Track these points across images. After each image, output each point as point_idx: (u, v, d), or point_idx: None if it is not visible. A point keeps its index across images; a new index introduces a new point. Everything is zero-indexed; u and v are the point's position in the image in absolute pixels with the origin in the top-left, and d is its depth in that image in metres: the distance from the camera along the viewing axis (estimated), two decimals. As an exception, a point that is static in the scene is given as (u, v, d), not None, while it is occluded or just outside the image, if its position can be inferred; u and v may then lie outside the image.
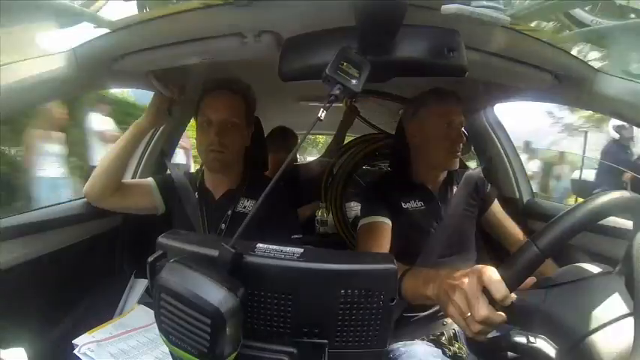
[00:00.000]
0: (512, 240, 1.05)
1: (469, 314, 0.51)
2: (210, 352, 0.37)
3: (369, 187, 1.08)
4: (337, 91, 0.50)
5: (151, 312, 0.91)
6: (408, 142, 1.06)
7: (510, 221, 1.09)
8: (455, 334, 0.96)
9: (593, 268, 0.55)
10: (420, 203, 1.01)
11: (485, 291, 0.50)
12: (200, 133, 0.96)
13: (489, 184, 1.12)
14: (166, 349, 0.45)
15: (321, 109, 0.49)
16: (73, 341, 0.77)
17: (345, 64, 0.50)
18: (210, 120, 0.94)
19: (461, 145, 0.98)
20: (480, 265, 0.52)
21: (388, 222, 0.96)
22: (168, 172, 1.14)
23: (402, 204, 1.00)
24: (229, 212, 0.98)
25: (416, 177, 1.05)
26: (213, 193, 1.02)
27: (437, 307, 0.96)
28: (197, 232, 0.96)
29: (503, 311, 0.50)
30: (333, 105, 0.51)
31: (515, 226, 1.07)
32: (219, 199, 1.01)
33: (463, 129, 1.01)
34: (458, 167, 1.03)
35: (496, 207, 1.10)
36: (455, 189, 1.06)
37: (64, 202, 1.08)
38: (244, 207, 0.99)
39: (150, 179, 1.04)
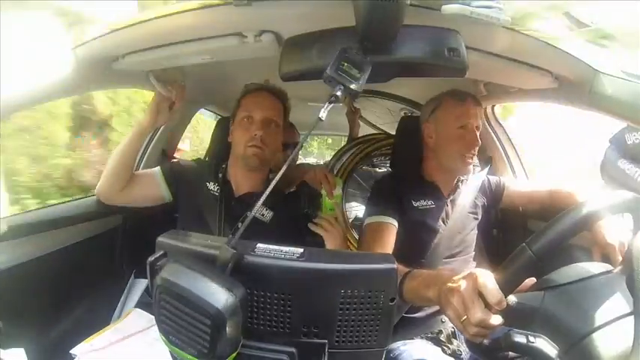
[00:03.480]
0: (540, 206, 1.07)
1: (465, 317, 0.51)
2: (210, 353, 0.37)
3: (378, 185, 1.08)
4: (338, 92, 0.50)
5: (148, 315, 0.91)
6: (424, 142, 1.05)
7: (533, 188, 1.11)
8: (454, 332, 0.96)
9: (594, 267, 0.55)
10: (430, 202, 1.01)
11: (482, 294, 0.50)
12: (239, 129, 0.97)
13: (494, 177, 1.14)
14: (164, 351, 0.45)
15: (322, 109, 0.49)
16: (70, 351, 0.76)
17: (345, 64, 0.50)
18: (252, 116, 0.96)
19: (476, 149, 0.97)
20: (477, 269, 0.53)
21: (394, 223, 0.96)
22: (175, 160, 1.13)
23: (413, 202, 1.00)
24: (248, 213, 0.96)
25: (428, 176, 1.06)
26: (234, 189, 1.00)
27: (436, 307, 0.96)
28: (209, 223, 0.95)
29: (500, 313, 0.50)
30: (334, 105, 0.51)
31: (538, 189, 1.08)
32: (240, 197, 0.99)
33: None
34: (470, 172, 1.03)
35: (510, 187, 1.12)
36: (463, 191, 1.06)
37: (64, 202, 1.08)
38: (262, 214, 0.98)
39: (156, 168, 1.03)
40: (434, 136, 1.02)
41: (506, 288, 0.50)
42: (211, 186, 0.99)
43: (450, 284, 0.56)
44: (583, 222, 0.51)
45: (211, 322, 0.36)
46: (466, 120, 0.97)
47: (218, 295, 0.37)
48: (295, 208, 1.00)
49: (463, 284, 0.53)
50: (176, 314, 0.38)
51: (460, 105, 0.99)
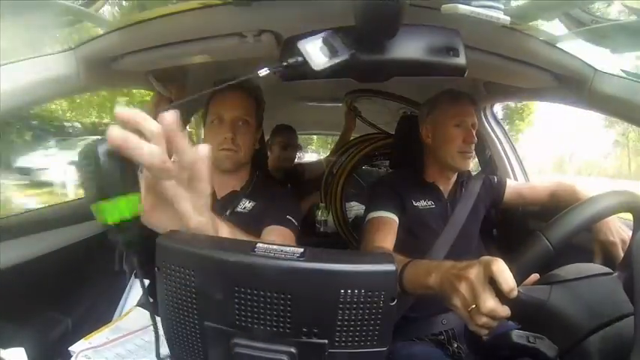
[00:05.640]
0: (541, 205, 1.08)
1: (474, 306, 0.50)
2: None
3: (378, 184, 1.08)
4: (293, 61, 0.48)
5: (148, 314, 0.91)
6: (423, 143, 1.06)
7: (534, 187, 1.11)
8: (454, 333, 0.96)
9: (596, 268, 0.55)
10: (430, 202, 1.02)
11: (492, 282, 0.49)
12: (210, 131, 0.93)
13: (494, 177, 1.14)
14: (165, 352, 0.45)
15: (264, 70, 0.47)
16: (69, 348, 0.76)
17: (322, 45, 0.49)
18: (222, 117, 0.92)
19: (472, 145, 0.98)
20: (488, 257, 0.51)
21: (396, 218, 0.96)
22: None
23: (413, 202, 1.01)
24: (227, 212, 0.96)
25: (428, 177, 1.06)
26: (216, 193, 1.00)
27: (436, 308, 0.97)
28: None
29: (508, 304, 0.49)
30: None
31: (539, 187, 1.09)
32: (222, 199, 0.99)
33: None
34: (469, 168, 1.04)
35: (511, 186, 1.12)
36: (463, 191, 1.06)
37: (64, 202, 1.08)
38: (244, 207, 0.97)
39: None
40: (431, 136, 1.03)
41: (518, 277, 0.48)
42: None
43: (456, 271, 0.54)
44: (598, 214, 0.50)
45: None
46: (461, 118, 0.98)
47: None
48: (281, 193, 1.01)
49: (474, 271, 0.51)
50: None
51: (455, 104, 1.00)
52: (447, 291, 0.55)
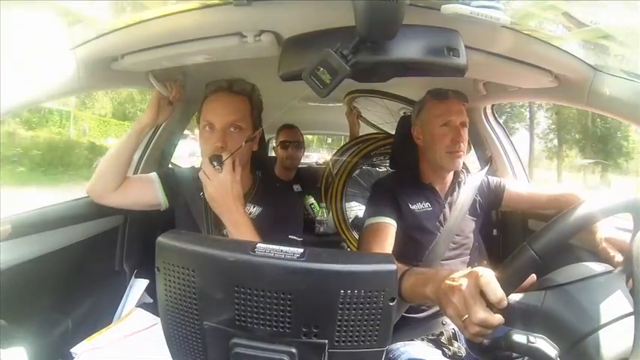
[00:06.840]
0: (543, 206, 1.06)
1: (467, 316, 0.51)
2: None
3: (377, 188, 1.08)
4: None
5: (149, 315, 0.91)
6: (415, 144, 1.06)
7: (534, 192, 1.09)
8: (454, 333, 0.96)
9: (595, 267, 0.55)
10: (427, 204, 1.01)
11: (483, 293, 0.50)
12: (202, 137, 0.90)
13: (494, 179, 1.13)
14: (165, 350, 0.45)
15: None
16: (71, 350, 0.76)
17: (321, 69, 0.52)
18: (212, 124, 0.88)
19: (462, 144, 0.97)
20: (478, 268, 0.53)
21: (393, 223, 0.96)
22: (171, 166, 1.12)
23: (410, 205, 1.00)
24: None
25: (424, 178, 1.06)
26: None
27: (436, 308, 0.97)
28: (201, 232, 0.93)
29: (501, 313, 0.50)
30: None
31: (540, 195, 1.07)
32: None
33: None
34: (460, 168, 1.03)
35: (511, 190, 1.10)
36: (461, 191, 1.06)
37: (64, 202, 1.08)
38: (249, 213, 0.94)
39: (153, 174, 1.02)
40: (421, 137, 1.03)
41: (508, 287, 0.50)
42: (201, 195, 0.94)
43: (450, 282, 0.56)
44: (584, 221, 0.51)
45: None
46: (448, 117, 0.98)
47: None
48: (289, 196, 1.01)
49: (465, 282, 0.53)
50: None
51: (441, 103, 1.00)
52: (442, 302, 0.57)
